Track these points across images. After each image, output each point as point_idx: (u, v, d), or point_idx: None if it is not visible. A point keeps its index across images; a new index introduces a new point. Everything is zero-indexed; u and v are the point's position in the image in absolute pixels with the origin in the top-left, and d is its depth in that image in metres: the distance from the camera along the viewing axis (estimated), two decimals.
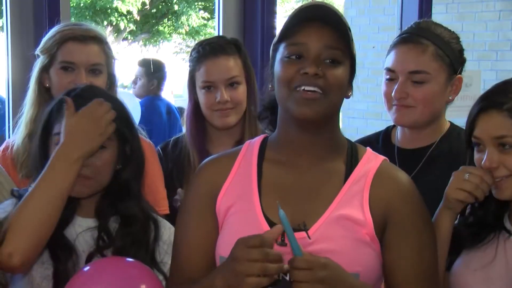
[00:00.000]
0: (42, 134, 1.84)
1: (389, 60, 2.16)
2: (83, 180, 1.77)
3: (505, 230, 1.77)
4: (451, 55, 2.12)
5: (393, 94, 2.12)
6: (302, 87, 1.58)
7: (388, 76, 2.16)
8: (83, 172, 1.76)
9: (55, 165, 1.70)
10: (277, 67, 1.64)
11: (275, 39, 1.67)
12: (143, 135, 2.37)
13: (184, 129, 2.56)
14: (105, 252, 1.80)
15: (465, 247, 1.80)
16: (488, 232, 1.79)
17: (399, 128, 2.23)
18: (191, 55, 2.46)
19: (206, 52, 2.39)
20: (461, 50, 2.18)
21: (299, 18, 1.61)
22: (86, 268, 1.70)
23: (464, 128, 1.86)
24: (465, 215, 1.85)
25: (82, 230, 1.83)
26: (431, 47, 2.10)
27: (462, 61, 2.18)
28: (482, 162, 1.73)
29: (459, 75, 2.15)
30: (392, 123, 2.27)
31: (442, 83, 2.11)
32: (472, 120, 1.77)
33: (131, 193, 1.85)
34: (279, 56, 1.64)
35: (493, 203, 1.79)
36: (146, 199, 1.96)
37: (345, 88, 1.65)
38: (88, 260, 1.79)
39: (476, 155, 1.78)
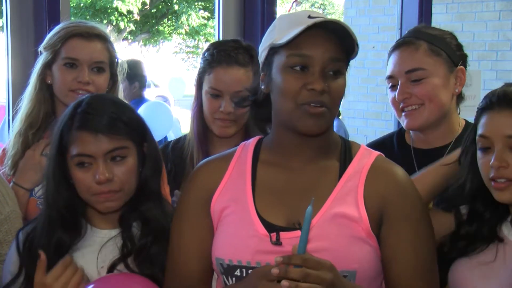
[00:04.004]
0: (56, 158, 1.77)
1: (388, 69, 2.17)
2: (112, 194, 1.74)
3: (498, 240, 1.74)
4: (446, 49, 2.12)
5: (396, 97, 2.13)
6: (309, 104, 1.58)
7: (390, 84, 2.17)
8: (110, 187, 1.73)
9: None
10: (278, 75, 1.61)
11: (274, 41, 1.62)
12: None
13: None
14: (128, 259, 1.77)
15: (457, 258, 1.78)
16: (483, 243, 1.76)
17: None
18: (203, 55, 2.40)
19: (219, 58, 2.33)
20: (458, 45, 2.18)
21: (308, 24, 1.57)
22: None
23: None
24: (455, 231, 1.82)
25: (106, 241, 1.79)
26: (423, 44, 2.11)
27: (462, 54, 2.17)
28: (491, 162, 1.68)
29: (461, 67, 2.14)
30: (398, 124, 2.27)
31: (443, 76, 2.11)
32: (479, 119, 1.75)
33: (151, 191, 1.82)
34: (278, 61, 1.61)
35: (488, 214, 1.76)
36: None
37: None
38: (111, 269, 1.76)
39: (482, 158, 1.73)
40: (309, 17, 1.59)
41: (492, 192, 1.72)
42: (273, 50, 1.63)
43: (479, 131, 1.74)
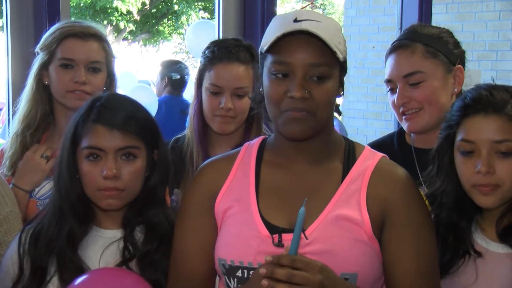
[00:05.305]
0: (70, 148, 1.77)
1: (386, 72, 2.16)
2: (116, 192, 1.74)
3: (474, 252, 1.72)
4: (442, 49, 2.10)
5: (395, 102, 2.12)
6: (290, 111, 1.58)
7: (388, 88, 2.16)
8: (115, 184, 1.73)
9: None
10: (265, 80, 1.62)
11: (261, 47, 1.63)
12: None
13: (186, 128, 2.51)
14: (130, 263, 1.76)
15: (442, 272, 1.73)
16: (460, 257, 1.73)
17: None
18: (204, 53, 2.40)
19: (220, 54, 2.33)
20: (455, 42, 2.16)
21: (283, 32, 1.56)
22: (80, 279, 1.66)
23: None
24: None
25: (109, 243, 1.78)
26: (419, 47, 2.10)
27: (459, 52, 2.16)
28: (478, 168, 1.65)
29: (459, 66, 2.13)
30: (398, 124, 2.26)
31: (441, 78, 2.10)
32: (460, 124, 1.70)
33: (157, 199, 1.82)
34: (266, 66, 1.62)
35: (464, 223, 1.74)
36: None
37: (334, 99, 1.64)
38: None
39: (465, 163, 1.69)
40: (295, 20, 1.57)
41: (474, 196, 1.69)
42: (263, 54, 1.63)
43: (462, 135, 1.69)
